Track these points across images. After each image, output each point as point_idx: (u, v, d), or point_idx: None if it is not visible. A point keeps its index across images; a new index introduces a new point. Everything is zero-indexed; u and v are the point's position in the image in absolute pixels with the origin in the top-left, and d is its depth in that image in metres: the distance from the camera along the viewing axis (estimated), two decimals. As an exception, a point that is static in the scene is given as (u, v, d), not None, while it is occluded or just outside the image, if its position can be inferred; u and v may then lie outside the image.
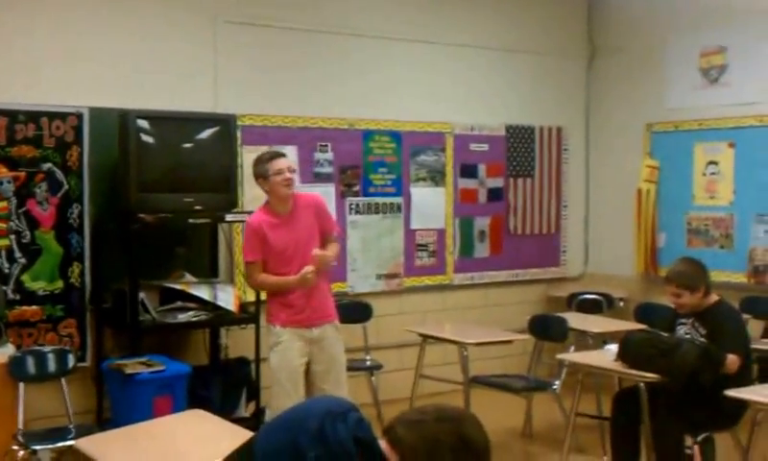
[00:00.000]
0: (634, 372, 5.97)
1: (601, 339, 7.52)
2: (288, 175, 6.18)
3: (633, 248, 9.71)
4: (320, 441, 2.64)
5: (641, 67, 9.77)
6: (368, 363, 8.09)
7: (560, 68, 10.15)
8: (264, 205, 6.36)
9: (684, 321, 6.19)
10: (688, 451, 6.03)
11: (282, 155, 6.39)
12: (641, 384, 5.91)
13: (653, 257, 9.54)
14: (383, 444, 2.69)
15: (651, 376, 5.81)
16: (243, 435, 3.12)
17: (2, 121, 6.85)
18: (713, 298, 6.13)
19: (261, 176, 6.23)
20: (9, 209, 6.88)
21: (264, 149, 7.81)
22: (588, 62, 10.33)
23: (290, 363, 6.21)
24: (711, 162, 9.09)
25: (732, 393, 5.47)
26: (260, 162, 6.27)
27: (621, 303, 9.39)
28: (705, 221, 9.15)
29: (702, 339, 6.01)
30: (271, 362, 6.32)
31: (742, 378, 5.80)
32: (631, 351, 6.04)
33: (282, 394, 6.19)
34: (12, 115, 6.89)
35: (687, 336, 6.09)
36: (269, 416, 6.41)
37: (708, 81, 9.11)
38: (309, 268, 6.05)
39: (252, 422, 6.98)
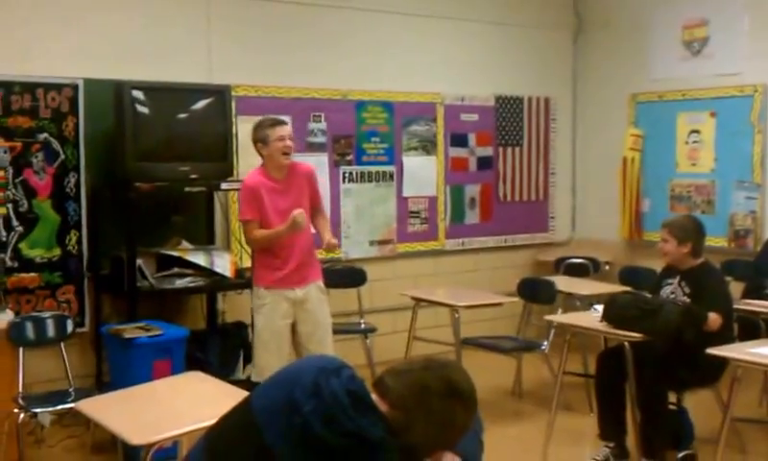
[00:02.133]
0: (619, 332, 5.90)
1: (587, 301, 7.47)
2: (289, 143, 6.11)
3: (618, 214, 9.66)
4: (314, 395, 2.58)
5: (626, 40, 9.68)
6: (362, 326, 8.05)
7: (547, 41, 10.04)
8: (260, 167, 6.25)
9: (670, 281, 6.14)
10: (672, 407, 6.04)
11: (284, 122, 6.27)
12: (626, 343, 5.83)
13: (637, 223, 9.52)
14: (374, 396, 2.65)
15: (635, 335, 5.75)
16: (240, 395, 3.06)
17: (-3, 92, 6.74)
18: (700, 260, 6.08)
19: (261, 141, 6.14)
20: (5, 179, 6.76)
21: (259, 118, 7.77)
22: (575, 35, 10.23)
23: (273, 323, 6.19)
24: (694, 131, 9.05)
25: (713, 351, 5.43)
26: (261, 127, 6.18)
27: (607, 267, 9.37)
28: (687, 188, 9.12)
29: (685, 298, 5.97)
30: (255, 323, 6.31)
31: (724, 337, 5.74)
32: (616, 311, 5.97)
33: (266, 354, 6.19)
34: (8, 86, 6.74)
35: (672, 296, 6.04)
36: (254, 375, 6.36)
37: (690, 53, 9.06)
38: (298, 210, 5.94)
39: (250, 383, 6.90)
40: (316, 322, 6.30)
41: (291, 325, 6.27)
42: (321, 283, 6.40)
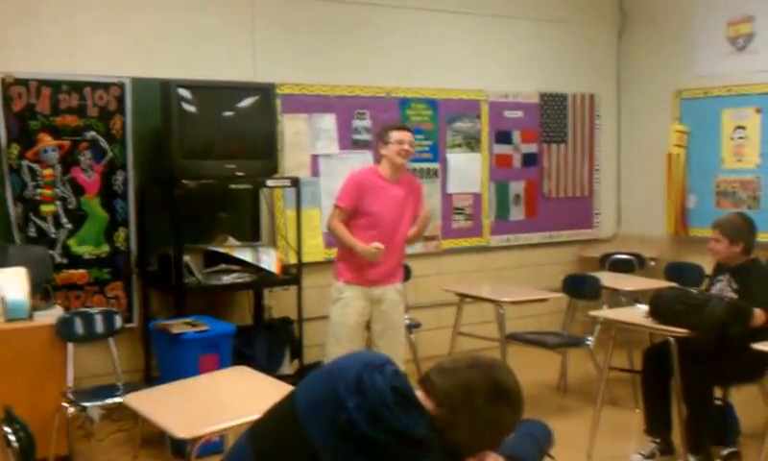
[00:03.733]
0: (664, 327, 5.82)
1: (633, 297, 7.41)
2: (406, 147, 6.27)
3: (663, 210, 9.54)
4: (358, 391, 2.55)
5: (671, 36, 9.56)
6: (407, 322, 7.97)
7: (592, 37, 9.94)
8: (374, 165, 6.49)
9: (720, 278, 6.10)
10: (717, 403, 6.02)
11: (408, 129, 6.45)
12: (671, 339, 5.75)
13: (683, 219, 9.39)
14: (419, 393, 2.62)
15: (680, 330, 5.66)
16: (286, 390, 3.05)
17: (46, 91, 6.74)
18: (750, 256, 6.03)
19: (383, 141, 6.34)
20: (54, 177, 6.80)
21: (303, 117, 7.82)
22: (620, 31, 10.12)
23: (348, 319, 6.29)
24: (739, 127, 8.93)
25: (758, 346, 5.34)
26: (386, 129, 6.40)
27: (652, 263, 9.22)
28: (733, 184, 8.99)
29: (732, 293, 5.91)
30: (331, 315, 6.38)
31: (768, 333, 5.68)
32: (661, 307, 5.89)
33: (338, 347, 6.21)
34: (56, 86, 6.78)
35: (721, 292, 5.99)
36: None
37: (735, 49, 8.94)
38: (378, 244, 6.12)
39: (296, 378, 6.91)
40: (388, 321, 6.40)
41: (366, 322, 6.37)
42: (400, 285, 6.53)
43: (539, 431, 3.14)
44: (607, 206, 10.19)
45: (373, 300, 6.33)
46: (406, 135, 6.31)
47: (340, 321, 6.32)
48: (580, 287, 7.73)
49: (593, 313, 6.97)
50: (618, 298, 7.73)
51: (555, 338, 7.62)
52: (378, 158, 6.52)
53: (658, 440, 6.08)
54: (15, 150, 6.64)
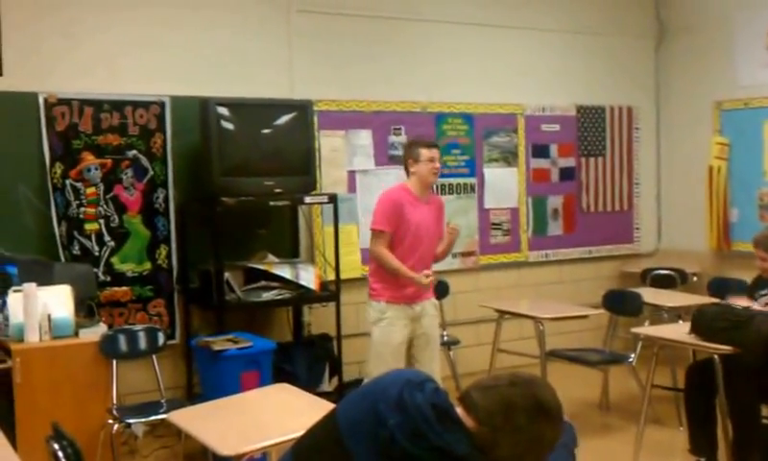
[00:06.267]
0: (708, 344, 5.80)
1: (675, 313, 7.40)
2: (438, 165, 6.33)
3: (705, 224, 9.54)
4: (399, 408, 2.61)
5: (710, 46, 9.58)
6: (446, 338, 8.02)
7: (629, 48, 10.01)
8: (403, 184, 6.42)
9: (763, 292, 6.11)
10: (765, 421, 5.98)
11: (436, 146, 6.46)
12: (715, 356, 5.76)
13: (725, 233, 9.39)
14: (459, 410, 2.66)
15: (725, 347, 5.66)
16: (327, 407, 3.11)
17: (88, 111, 6.93)
18: None
19: (413, 158, 6.32)
20: (97, 195, 6.98)
21: (340, 133, 7.91)
22: (657, 42, 10.17)
23: (393, 339, 6.23)
24: (781, 138, 8.89)
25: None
26: (415, 145, 6.40)
27: (694, 278, 9.22)
28: (776, 197, 8.97)
29: (781, 308, 5.91)
30: (373, 336, 6.31)
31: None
32: (704, 323, 5.88)
33: (383, 366, 6.05)
34: (98, 105, 6.96)
35: (765, 305, 6.01)
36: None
37: (775, 59, 8.93)
38: (429, 272, 6.17)
39: (336, 395, 6.99)
40: (428, 336, 6.39)
41: (410, 339, 6.33)
42: (434, 300, 6.56)
43: (566, 437, 3.17)
44: (647, 221, 10.22)
45: (414, 316, 6.30)
46: (436, 153, 6.34)
47: (384, 341, 6.24)
48: (621, 303, 7.72)
49: (635, 330, 6.96)
50: (660, 314, 7.72)
51: (596, 355, 7.63)
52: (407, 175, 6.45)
53: (703, 460, 6.08)
54: (59, 169, 6.82)
